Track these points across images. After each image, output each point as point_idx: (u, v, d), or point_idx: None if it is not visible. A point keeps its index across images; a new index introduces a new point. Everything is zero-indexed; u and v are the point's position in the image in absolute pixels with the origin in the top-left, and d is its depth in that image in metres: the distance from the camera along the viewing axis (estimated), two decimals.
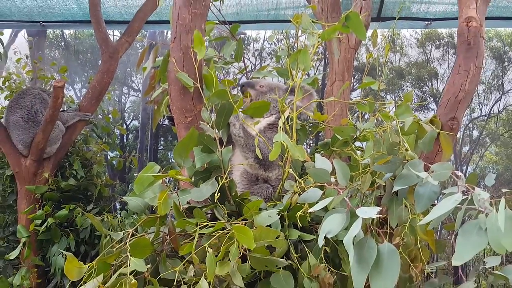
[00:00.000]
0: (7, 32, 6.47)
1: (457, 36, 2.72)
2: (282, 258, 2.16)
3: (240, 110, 2.59)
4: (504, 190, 2.47)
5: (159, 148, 7.32)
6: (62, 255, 4.16)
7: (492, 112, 8.39)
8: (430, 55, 8.21)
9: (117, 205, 5.49)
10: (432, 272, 2.50)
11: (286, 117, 2.40)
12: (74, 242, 4.24)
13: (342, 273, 2.21)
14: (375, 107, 2.72)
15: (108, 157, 5.74)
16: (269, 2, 5.37)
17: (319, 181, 2.17)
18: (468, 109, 8.36)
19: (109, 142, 5.27)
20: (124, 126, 7.07)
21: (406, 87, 8.22)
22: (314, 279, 2.17)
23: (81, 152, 4.82)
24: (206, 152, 2.31)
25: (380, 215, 1.76)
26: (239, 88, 3.03)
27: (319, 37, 2.43)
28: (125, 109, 7.34)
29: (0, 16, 5.61)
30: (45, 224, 4.15)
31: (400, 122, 2.37)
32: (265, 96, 2.95)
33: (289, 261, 2.17)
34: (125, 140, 7.33)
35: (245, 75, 3.33)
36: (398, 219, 2.21)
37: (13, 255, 4.10)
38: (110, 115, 5.44)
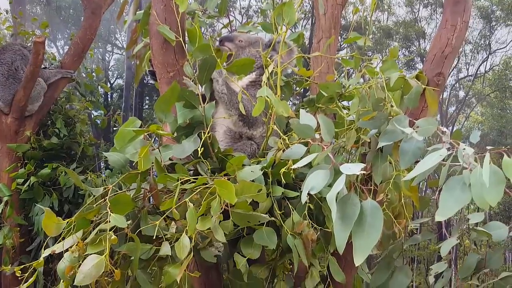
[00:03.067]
0: None
1: None
2: (266, 214, 2.14)
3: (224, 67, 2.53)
4: (489, 147, 2.45)
5: (144, 108, 7.27)
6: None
7: (478, 72, 8.40)
8: (418, 14, 8.16)
9: (101, 164, 5.45)
10: (416, 229, 2.50)
11: (269, 72, 2.35)
12: (58, 201, 4.21)
13: (326, 229, 2.20)
14: (361, 64, 2.68)
15: (92, 115, 5.68)
16: None
17: (303, 137, 2.13)
18: (454, 69, 8.37)
19: (92, 101, 5.19)
20: (108, 85, 6.99)
21: (394, 46, 8.19)
22: (298, 236, 2.16)
23: (64, 111, 4.75)
24: (188, 108, 2.27)
25: (364, 172, 1.72)
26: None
27: None
28: (109, 67, 7.27)
29: None
30: (28, 183, 4.12)
31: (386, 78, 2.33)
32: (245, 51, 2.88)
33: (273, 218, 2.16)
34: (109, 99, 7.26)
35: (230, 30, 3.26)
36: (382, 176, 2.20)
37: None
38: (93, 73, 5.35)
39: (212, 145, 2.29)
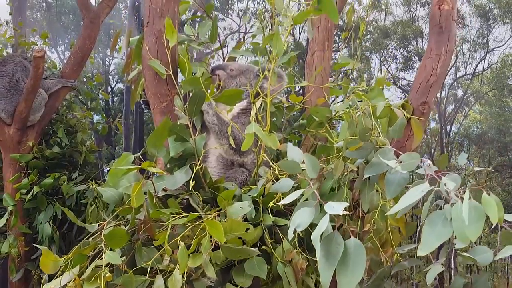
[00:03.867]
0: None
1: (429, 19, 2.72)
2: (257, 243, 2.22)
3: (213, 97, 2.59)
4: (476, 169, 2.51)
5: (145, 111, 7.30)
6: (49, 223, 4.21)
7: (476, 70, 8.41)
8: (415, 14, 8.17)
9: (105, 169, 5.52)
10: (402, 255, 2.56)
11: (259, 103, 2.42)
12: (61, 209, 4.27)
13: (315, 258, 2.27)
14: (350, 89, 2.74)
15: (94, 120, 5.73)
16: None
17: (290, 173, 2.20)
18: (452, 68, 8.39)
19: (92, 108, 5.26)
20: (109, 89, 7.04)
21: (391, 46, 8.19)
22: (288, 264, 2.24)
23: (65, 119, 4.82)
24: (180, 141, 2.34)
25: (347, 212, 1.79)
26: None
27: (292, 21, 2.43)
28: (110, 71, 7.30)
29: None
30: (31, 193, 4.19)
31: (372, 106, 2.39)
32: (235, 80, 2.94)
33: (264, 246, 2.23)
34: (110, 103, 7.31)
35: (222, 53, 3.31)
36: (370, 204, 2.27)
37: (0, 223, 4.16)
38: (93, 80, 5.42)
39: (204, 175, 2.37)
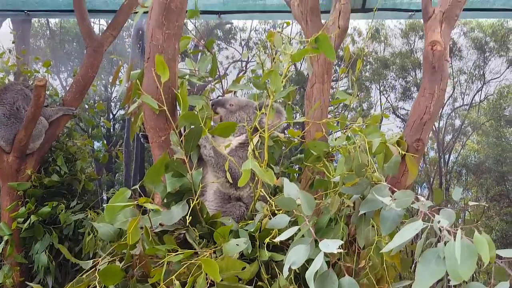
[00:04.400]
0: None
1: (423, 59, 2.77)
2: (253, 279, 2.23)
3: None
4: (470, 204, 2.53)
5: None
6: (45, 253, 4.20)
7: (473, 101, 8.51)
8: (414, 45, 8.28)
9: (104, 196, 5.53)
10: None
11: (258, 136, 2.45)
12: (58, 238, 4.26)
13: None
14: (347, 124, 2.76)
15: (95, 147, 5.75)
16: None
17: (286, 209, 2.22)
18: (450, 98, 8.48)
19: (94, 135, 5.28)
20: (111, 116, 7.07)
21: (391, 77, 8.29)
22: None
23: (65, 147, 4.82)
24: (177, 177, 2.36)
25: (341, 250, 1.80)
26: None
27: (290, 59, 2.47)
28: (112, 98, 7.35)
29: None
30: (28, 222, 4.17)
31: (368, 142, 2.42)
32: (235, 115, 2.99)
33: (260, 282, 2.24)
34: (111, 130, 7.34)
35: (221, 86, 3.35)
36: (365, 239, 2.28)
37: None
38: (95, 108, 5.45)
39: (201, 210, 2.39)
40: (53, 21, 7.40)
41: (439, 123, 8.69)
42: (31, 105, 4.12)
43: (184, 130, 2.62)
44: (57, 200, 4.37)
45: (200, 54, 3.36)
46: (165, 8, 2.59)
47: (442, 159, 8.85)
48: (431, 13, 2.87)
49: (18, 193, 4.38)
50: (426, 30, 2.83)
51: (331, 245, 1.81)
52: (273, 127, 2.70)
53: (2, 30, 6.58)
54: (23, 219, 4.21)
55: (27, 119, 4.19)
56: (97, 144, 5.75)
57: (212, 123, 2.89)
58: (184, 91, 2.55)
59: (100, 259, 2.18)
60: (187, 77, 2.99)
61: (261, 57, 3.04)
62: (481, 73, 8.58)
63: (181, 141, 2.52)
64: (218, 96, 3.71)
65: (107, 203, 4.82)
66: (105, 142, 5.57)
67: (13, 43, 5.47)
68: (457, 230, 1.72)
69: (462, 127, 8.80)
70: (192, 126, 2.56)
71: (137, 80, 2.69)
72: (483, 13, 5.69)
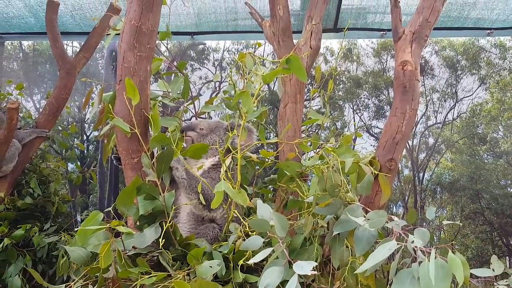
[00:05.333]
0: None
1: (394, 79, 2.81)
2: None
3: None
4: (445, 222, 2.56)
5: None
6: (19, 276, 4.14)
7: (446, 119, 8.62)
8: (386, 64, 8.38)
9: (78, 218, 5.47)
10: None
11: (229, 160, 2.46)
12: (31, 261, 4.21)
13: None
14: (319, 144, 2.78)
15: (69, 168, 5.70)
16: (228, 13, 5.40)
17: (259, 231, 2.22)
18: (423, 116, 8.59)
19: (67, 157, 5.24)
20: (84, 137, 7.04)
21: (364, 95, 8.38)
22: None
23: (39, 169, 4.78)
24: (149, 199, 2.35)
25: (315, 272, 1.80)
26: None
27: (261, 80, 2.48)
28: (85, 119, 7.32)
29: None
30: (1, 245, 4.12)
31: (341, 162, 2.44)
32: (206, 138, 3.01)
33: None
34: (85, 152, 7.30)
35: (194, 107, 3.35)
36: (340, 260, 2.29)
37: None
38: (68, 130, 5.41)
39: (174, 233, 2.38)
40: (26, 43, 7.37)
41: (412, 141, 8.78)
42: (4, 128, 4.08)
43: (157, 152, 2.62)
44: (30, 223, 4.31)
45: (172, 75, 3.37)
46: (136, 30, 2.59)
47: (416, 178, 8.92)
48: (401, 33, 2.92)
49: None
50: (397, 50, 2.87)
51: (305, 267, 1.82)
52: (245, 147, 2.71)
53: None
54: None
55: (0, 142, 4.15)
56: (70, 166, 5.70)
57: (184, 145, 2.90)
58: (156, 113, 2.55)
59: (73, 283, 2.16)
60: (159, 98, 2.99)
61: (233, 77, 3.06)
62: (454, 91, 8.70)
63: (153, 163, 2.52)
64: (191, 117, 3.71)
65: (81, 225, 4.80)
66: (78, 163, 5.53)
67: None
68: (431, 250, 1.73)
69: (436, 145, 8.90)
70: (164, 148, 2.57)
71: (109, 103, 2.68)
72: (454, 32, 5.78)
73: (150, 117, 2.58)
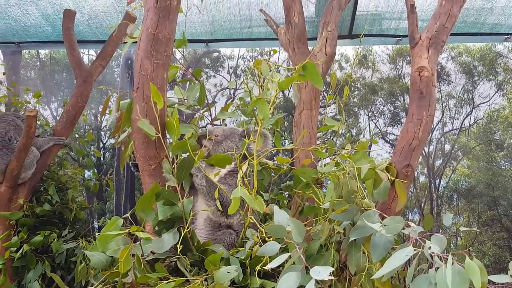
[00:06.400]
0: None
1: (410, 85, 2.81)
2: None
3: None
4: (462, 229, 2.56)
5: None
6: (38, 281, 4.18)
7: (463, 126, 8.56)
8: (401, 71, 8.35)
9: (95, 225, 5.51)
10: None
11: (245, 167, 2.47)
12: (50, 267, 4.25)
13: None
14: (335, 151, 2.79)
15: (86, 175, 5.74)
16: (242, 21, 5.41)
17: (276, 237, 2.24)
18: (439, 123, 8.54)
19: (84, 164, 5.29)
20: (101, 145, 7.09)
21: (379, 102, 8.35)
22: None
23: (57, 176, 4.83)
24: (168, 205, 2.37)
25: (332, 277, 1.81)
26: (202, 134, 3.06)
27: (277, 87, 2.49)
28: (102, 127, 7.37)
29: None
30: (21, 251, 4.17)
31: (357, 169, 2.44)
32: (222, 145, 3.02)
33: None
34: (102, 159, 7.35)
35: (210, 114, 3.38)
36: (356, 266, 2.29)
37: None
38: (85, 137, 5.46)
39: (192, 239, 2.40)
40: (43, 52, 7.45)
41: (428, 148, 8.72)
42: (22, 136, 4.13)
43: (176, 158, 2.65)
44: (49, 229, 4.36)
45: (188, 82, 3.39)
46: (153, 38, 2.63)
47: (432, 184, 8.86)
48: (418, 39, 2.92)
49: (11, 222, 4.37)
50: (413, 56, 2.87)
51: (322, 272, 1.83)
52: (261, 153, 2.72)
53: None
54: (15, 248, 4.20)
55: (19, 149, 4.20)
56: (87, 173, 5.74)
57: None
58: (175, 120, 2.57)
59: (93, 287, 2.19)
60: (176, 106, 3.02)
61: (248, 84, 3.07)
62: (470, 97, 8.64)
63: (173, 169, 2.54)
64: (206, 124, 3.74)
65: (98, 231, 4.84)
66: (95, 171, 5.57)
67: (3, 74, 5.51)
68: (448, 256, 1.74)
69: (452, 151, 8.84)
70: (184, 155, 2.59)
71: (127, 110, 2.72)
72: (471, 38, 5.75)
73: (168, 123, 2.60)
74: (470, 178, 8.70)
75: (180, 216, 2.41)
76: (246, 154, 2.63)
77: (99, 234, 2.17)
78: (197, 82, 3.19)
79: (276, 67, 2.65)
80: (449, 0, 2.95)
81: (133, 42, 2.89)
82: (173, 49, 2.90)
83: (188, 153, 2.51)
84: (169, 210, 2.38)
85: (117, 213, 7.18)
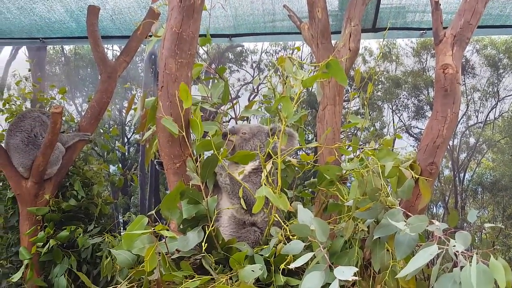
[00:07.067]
0: (8, 49, 6.53)
1: (435, 82, 2.79)
2: None
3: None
4: (487, 225, 2.55)
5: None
6: (64, 276, 4.23)
7: (488, 119, 8.49)
8: (425, 64, 8.29)
9: (120, 220, 5.56)
10: None
11: (269, 166, 2.48)
12: (76, 262, 4.30)
13: None
14: (359, 146, 2.79)
15: (110, 170, 5.79)
16: (266, 15, 5.41)
17: (300, 236, 2.24)
18: (464, 116, 8.48)
19: (109, 160, 5.33)
20: (125, 140, 7.14)
21: (403, 95, 8.31)
22: None
23: (82, 172, 4.88)
24: (193, 204, 2.39)
25: (356, 278, 1.82)
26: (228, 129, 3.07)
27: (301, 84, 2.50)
28: (126, 122, 7.43)
29: (0, 34, 5.67)
30: (47, 246, 4.22)
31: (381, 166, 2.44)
32: (249, 143, 3.02)
33: None
34: (126, 154, 7.41)
35: (234, 111, 3.39)
36: (380, 263, 2.29)
37: (15, 277, 4.16)
38: (110, 133, 5.50)
39: (216, 237, 2.42)
40: (67, 47, 7.52)
41: (453, 142, 8.66)
42: (48, 132, 4.17)
43: (199, 156, 2.66)
44: (75, 224, 4.41)
45: (211, 80, 3.41)
46: (177, 37, 2.64)
47: (457, 178, 8.81)
48: (442, 36, 2.90)
49: (37, 217, 4.43)
50: (437, 53, 2.85)
51: (346, 272, 1.84)
52: (286, 152, 2.73)
53: (18, 58, 6.67)
54: (42, 243, 4.24)
55: (45, 146, 4.25)
56: (112, 168, 5.79)
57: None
58: (198, 118, 2.58)
59: (119, 286, 2.21)
60: (199, 103, 3.04)
61: (272, 80, 3.08)
62: (495, 90, 8.56)
63: (197, 167, 2.56)
64: (229, 119, 3.75)
65: (124, 226, 4.88)
66: (120, 166, 5.62)
67: (29, 71, 5.57)
68: (472, 254, 1.73)
69: (477, 145, 8.77)
70: (207, 153, 2.61)
71: (152, 107, 2.74)
72: (496, 30, 5.68)
73: (192, 121, 2.62)
74: (495, 172, 8.64)
75: (204, 215, 2.43)
76: (271, 152, 2.64)
77: (124, 232, 2.20)
78: (221, 80, 3.20)
79: (300, 64, 2.65)
80: None
81: (158, 40, 2.91)
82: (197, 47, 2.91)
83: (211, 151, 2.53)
84: (193, 208, 2.41)
85: (141, 208, 7.25)
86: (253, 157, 2.59)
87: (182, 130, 2.59)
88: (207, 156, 2.48)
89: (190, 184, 2.49)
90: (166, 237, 2.31)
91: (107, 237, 4.33)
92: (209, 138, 2.53)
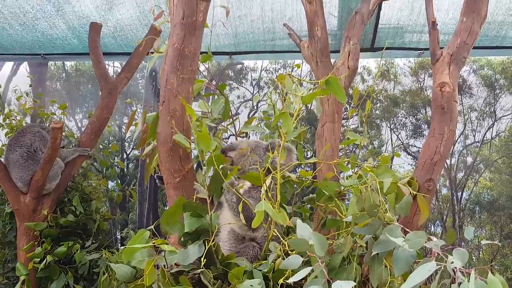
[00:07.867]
0: (9, 65, 6.56)
1: (432, 100, 2.83)
2: None
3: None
4: (483, 242, 2.56)
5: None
6: None
7: (485, 138, 8.56)
8: (423, 83, 8.37)
9: (118, 236, 5.55)
10: None
11: (269, 181, 2.50)
12: (73, 278, 4.29)
13: None
14: (358, 163, 2.81)
15: (109, 186, 5.80)
16: (266, 33, 5.45)
17: (299, 250, 2.26)
18: (461, 135, 8.54)
19: (108, 175, 5.34)
20: (124, 156, 7.15)
21: (401, 114, 8.37)
22: None
23: (81, 187, 4.88)
24: (196, 217, 2.41)
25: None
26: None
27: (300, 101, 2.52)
28: (126, 138, 7.46)
29: (2, 49, 5.71)
30: (44, 262, 4.20)
31: (379, 183, 2.46)
32: (247, 158, 3.04)
33: None
34: (125, 170, 7.42)
35: (234, 127, 3.41)
36: (378, 280, 2.30)
37: None
38: (109, 148, 5.52)
39: (216, 252, 2.43)
40: (68, 63, 7.57)
41: (450, 160, 8.71)
42: (48, 147, 4.18)
43: (196, 170, 2.68)
44: (72, 240, 4.40)
45: (211, 96, 3.44)
46: (179, 53, 2.68)
47: (454, 197, 8.85)
48: (439, 55, 2.94)
49: (35, 233, 4.42)
50: (435, 72, 2.89)
51: (344, 286, 1.84)
52: (285, 167, 2.74)
53: (19, 73, 6.70)
54: (39, 259, 4.24)
55: (44, 161, 4.26)
56: (111, 184, 5.81)
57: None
58: (205, 132, 2.59)
59: None
60: (201, 120, 3.06)
61: (272, 97, 3.10)
62: (492, 110, 8.64)
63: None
64: (229, 136, 3.77)
65: (121, 242, 4.86)
66: (119, 181, 5.63)
67: (30, 86, 5.59)
68: (470, 270, 1.74)
69: (474, 164, 8.83)
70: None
71: (153, 123, 2.76)
72: (493, 51, 5.74)
73: (200, 136, 2.63)
74: (492, 191, 8.67)
75: (206, 229, 2.43)
76: (270, 167, 2.65)
77: (123, 246, 2.21)
78: (221, 96, 3.23)
79: (299, 81, 2.67)
80: (469, 17, 2.97)
81: (159, 56, 2.94)
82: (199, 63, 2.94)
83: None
84: (196, 222, 2.41)
85: (140, 224, 7.24)
86: (263, 179, 2.60)
87: (181, 146, 2.61)
88: (217, 171, 2.49)
89: (194, 197, 2.51)
90: (165, 251, 2.32)
91: (105, 253, 4.32)
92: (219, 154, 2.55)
